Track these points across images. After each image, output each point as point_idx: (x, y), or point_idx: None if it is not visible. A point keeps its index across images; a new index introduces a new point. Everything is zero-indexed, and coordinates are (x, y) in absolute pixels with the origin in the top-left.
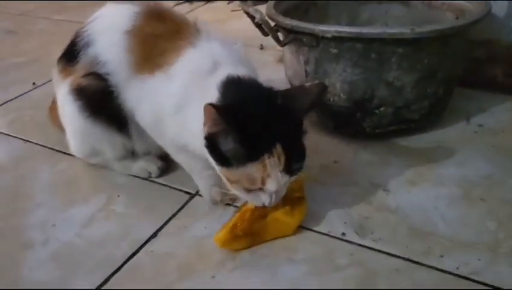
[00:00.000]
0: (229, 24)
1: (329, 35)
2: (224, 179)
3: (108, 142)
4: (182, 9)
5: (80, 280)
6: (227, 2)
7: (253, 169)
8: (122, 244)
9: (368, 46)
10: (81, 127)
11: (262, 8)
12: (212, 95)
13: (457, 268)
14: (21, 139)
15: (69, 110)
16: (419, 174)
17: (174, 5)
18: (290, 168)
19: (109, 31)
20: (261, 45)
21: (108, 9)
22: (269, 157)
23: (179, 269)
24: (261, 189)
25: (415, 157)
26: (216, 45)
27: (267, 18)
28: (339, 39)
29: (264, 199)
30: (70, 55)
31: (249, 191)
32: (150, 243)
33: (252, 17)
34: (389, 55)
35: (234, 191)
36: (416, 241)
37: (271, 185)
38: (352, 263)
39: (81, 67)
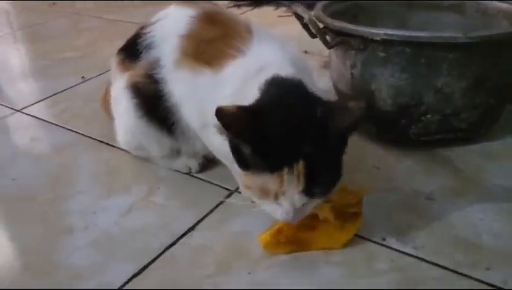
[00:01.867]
0: (275, 29)
1: (378, 38)
2: (238, 180)
3: (156, 142)
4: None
5: (117, 267)
6: (274, 7)
7: (268, 180)
8: (160, 235)
9: (418, 51)
10: (133, 124)
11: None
12: (253, 95)
13: (505, 282)
14: (68, 129)
15: (123, 106)
16: (465, 185)
17: (229, 7)
18: (311, 191)
19: (169, 36)
20: (305, 50)
21: (170, 12)
22: (288, 173)
23: (215, 263)
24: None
25: (461, 167)
26: (267, 48)
27: (315, 19)
28: (388, 43)
29: (280, 214)
30: (131, 51)
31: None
32: (187, 235)
33: (301, 18)
34: (439, 61)
35: (247, 194)
36: (460, 252)
37: (283, 203)
38: (392, 269)
39: (141, 66)
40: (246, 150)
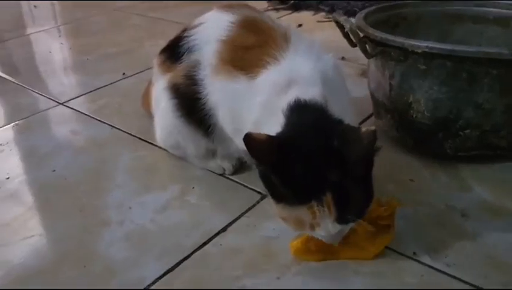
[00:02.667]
0: (313, 34)
1: (419, 51)
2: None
3: (193, 142)
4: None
5: (150, 263)
6: (312, 12)
7: (301, 212)
8: (193, 234)
9: (460, 65)
10: (171, 123)
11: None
12: (279, 119)
13: None
14: (107, 124)
15: (163, 105)
16: (502, 204)
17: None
18: (344, 218)
19: (209, 41)
20: (343, 57)
21: (211, 17)
22: (318, 206)
23: (245, 265)
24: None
25: (499, 186)
26: (301, 60)
27: (356, 29)
28: (429, 55)
29: (320, 237)
30: (173, 53)
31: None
32: (219, 236)
33: (342, 27)
34: (481, 76)
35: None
36: (494, 272)
37: (321, 233)
38: (421, 283)
39: (181, 68)
40: (276, 181)
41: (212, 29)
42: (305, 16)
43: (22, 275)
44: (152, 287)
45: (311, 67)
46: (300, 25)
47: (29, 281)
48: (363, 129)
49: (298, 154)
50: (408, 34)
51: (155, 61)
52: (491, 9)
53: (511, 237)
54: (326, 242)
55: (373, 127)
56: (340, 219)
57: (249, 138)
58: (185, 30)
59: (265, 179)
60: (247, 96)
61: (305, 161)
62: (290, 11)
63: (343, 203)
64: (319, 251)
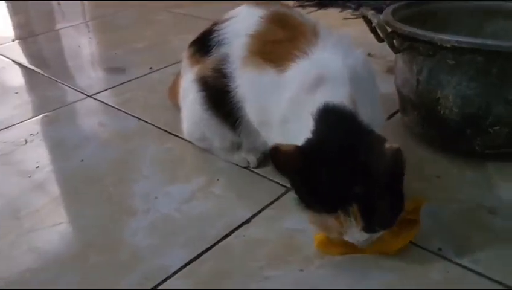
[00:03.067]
0: (339, 31)
1: (448, 45)
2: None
3: (219, 135)
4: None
5: (174, 251)
6: (339, 9)
7: (329, 220)
8: (217, 225)
9: (490, 60)
10: (199, 116)
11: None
12: (309, 123)
13: None
14: (134, 116)
15: (191, 97)
16: None
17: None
18: (371, 228)
19: (239, 35)
20: (369, 53)
21: (241, 11)
22: (344, 216)
23: (268, 257)
24: None
25: None
26: (329, 55)
27: (383, 24)
28: (458, 50)
29: (352, 240)
30: (202, 46)
31: None
32: (243, 227)
33: (369, 22)
34: None
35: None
36: None
37: (349, 239)
38: (446, 279)
39: (211, 61)
40: (302, 190)
41: (242, 23)
42: (332, 13)
43: (51, 260)
44: (159, 288)
45: (340, 63)
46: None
47: (57, 267)
48: (387, 145)
49: (324, 166)
50: (437, 30)
51: (184, 54)
52: None
53: None
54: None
55: (397, 145)
56: (367, 229)
57: (275, 151)
58: (215, 24)
59: (293, 186)
60: (275, 89)
61: (331, 173)
62: (316, 8)
63: (369, 214)
64: (343, 245)
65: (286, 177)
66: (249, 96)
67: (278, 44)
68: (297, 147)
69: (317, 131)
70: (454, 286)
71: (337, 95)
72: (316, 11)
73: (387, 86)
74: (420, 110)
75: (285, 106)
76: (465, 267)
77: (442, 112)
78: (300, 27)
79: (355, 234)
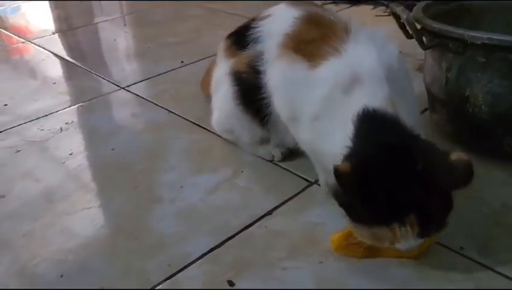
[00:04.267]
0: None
1: (479, 42)
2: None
3: (248, 130)
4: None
5: (197, 239)
6: (372, 6)
7: (380, 232)
8: (240, 215)
9: None
10: (229, 110)
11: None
12: (348, 128)
13: None
14: (165, 109)
15: (224, 91)
16: None
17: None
18: (426, 234)
19: (275, 33)
20: (400, 51)
21: (278, 11)
22: (400, 227)
23: (288, 248)
24: None
25: None
26: (362, 51)
27: (412, 20)
28: (489, 47)
29: (404, 248)
30: (239, 40)
31: None
32: (265, 218)
33: (398, 18)
34: None
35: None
36: None
37: (401, 247)
38: (467, 279)
39: (246, 56)
40: (358, 205)
41: (277, 23)
42: (364, 10)
43: (80, 242)
44: (158, 287)
45: (374, 59)
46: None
47: (86, 249)
48: (454, 156)
49: (380, 178)
50: (471, 27)
51: (221, 45)
52: None
53: None
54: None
55: (466, 157)
56: (423, 235)
57: (337, 172)
58: (253, 20)
59: (345, 204)
60: (307, 85)
61: (387, 185)
62: (349, 5)
63: (426, 221)
64: (361, 246)
65: (346, 194)
66: (279, 89)
67: (311, 43)
68: (352, 165)
69: (360, 138)
70: (473, 285)
71: (376, 97)
72: (349, 7)
73: (416, 84)
74: (449, 108)
75: (317, 104)
76: (487, 267)
77: (471, 110)
78: (331, 25)
79: (410, 242)
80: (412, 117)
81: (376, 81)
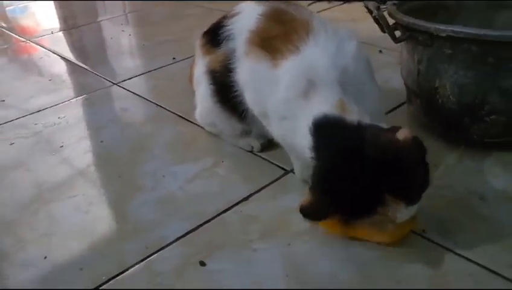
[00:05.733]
0: (362, 24)
1: (444, 35)
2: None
3: (228, 125)
4: (321, 6)
5: (173, 224)
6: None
7: (375, 219)
8: (217, 202)
9: (485, 50)
10: (209, 107)
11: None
12: (307, 137)
13: None
14: (154, 103)
15: (202, 88)
16: None
17: (310, 3)
18: (410, 205)
19: (243, 31)
20: (380, 50)
21: (245, 7)
22: (385, 208)
23: (260, 231)
24: None
25: None
26: (318, 53)
27: (387, 15)
28: (454, 39)
29: (404, 219)
30: (214, 37)
31: None
32: (240, 204)
33: (371, 12)
34: (508, 61)
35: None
36: (502, 253)
37: (400, 220)
38: (426, 259)
39: (220, 54)
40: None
41: (245, 20)
42: (355, 7)
43: (64, 228)
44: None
45: (328, 63)
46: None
47: (69, 233)
48: (401, 136)
49: (348, 184)
50: (447, 21)
51: (198, 42)
52: None
53: None
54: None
55: (411, 135)
56: (410, 202)
57: (303, 211)
58: (224, 17)
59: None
60: (271, 84)
61: (354, 185)
62: (341, 2)
63: (404, 192)
64: (344, 225)
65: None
66: (248, 86)
67: (273, 40)
68: (316, 196)
69: (321, 153)
70: (432, 264)
71: (327, 101)
72: (341, 4)
73: (398, 78)
74: (422, 100)
75: (281, 105)
76: (447, 249)
77: (440, 100)
78: (293, 23)
79: (403, 213)
80: (369, 111)
81: (328, 86)
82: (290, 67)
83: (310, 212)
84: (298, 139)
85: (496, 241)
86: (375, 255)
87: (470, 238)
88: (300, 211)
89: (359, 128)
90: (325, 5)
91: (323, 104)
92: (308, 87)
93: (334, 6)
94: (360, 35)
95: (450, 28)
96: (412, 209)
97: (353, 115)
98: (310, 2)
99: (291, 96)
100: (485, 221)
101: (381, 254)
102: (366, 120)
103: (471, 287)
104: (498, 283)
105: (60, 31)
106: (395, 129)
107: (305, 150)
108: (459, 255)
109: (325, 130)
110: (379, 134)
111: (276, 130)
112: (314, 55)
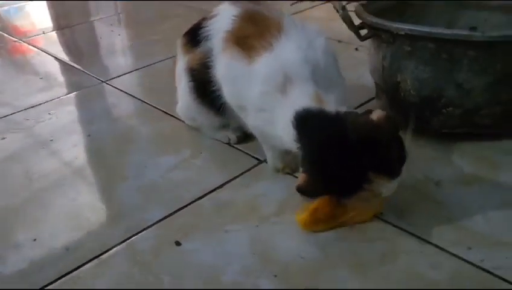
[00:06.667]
0: (341, 23)
1: (402, 33)
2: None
3: (207, 119)
4: (304, 5)
5: (154, 208)
6: (345, 2)
7: (362, 196)
8: (193, 189)
9: (440, 46)
10: (188, 103)
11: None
12: (290, 131)
13: (481, 261)
14: (139, 99)
15: (182, 85)
16: (477, 177)
17: (293, 3)
18: (394, 174)
19: (220, 31)
20: (356, 48)
21: (222, 10)
22: (370, 184)
23: (232, 215)
24: None
25: (479, 161)
26: (290, 48)
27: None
28: (412, 37)
29: (390, 193)
30: (194, 37)
31: None
32: (215, 192)
33: (338, 12)
34: (460, 57)
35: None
36: (450, 231)
37: (388, 193)
38: (380, 238)
39: (198, 52)
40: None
41: (221, 21)
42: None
43: (53, 213)
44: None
45: (300, 58)
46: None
47: (57, 219)
48: (375, 116)
49: (331, 165)
50: (415, 21)
51: (179, 41)
52: None
53: (474, 205)
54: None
55: (384, 114)
56: (393, 176)
57: (300, 190)
58: (204, 19)
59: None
60: (247, 79)
61: (342, 166)
62: (323, 1)
63: (385, 166)
64: (327, 220)
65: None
66: (225, 81)
67: (248, 38)
68: (310, 176)
69: (306, 144)
70: (387, 243)
71: (304, 94)
72: (324, 3)
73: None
74: (387, 94)
75: (257, 98)
76: (400, 228)
77: (402, 94)
78: (266, 22)
79: (389, 187)
80: (339, 101)
81: (303, 81)
82: (265, 63)
83: (306, 190)
84: (275, 130)
85: (445, 222)
86: (335, 235)
87: (423, 220)
88: (297, 190)
89: (338, 116)
90: (307, 4)
91: (301, 98)
92: (285, 81)
93: (316, 6)
94: (338, 34)
95: (407, 26)
96: (395, 183)
97: (330, 105)
98: (293, 2)
99: (268, 89)
100: (437, 204)
101: (341, 235)
102: (341, 108)
103: (422, 263)
104: (443, 258)
105: (53, 30)
106: (369, 112)
107: (281, 140)
108: (412, 234)
109: (308, 122)
110: (357, 118)
111: (253, 122)
112: (287, 50)
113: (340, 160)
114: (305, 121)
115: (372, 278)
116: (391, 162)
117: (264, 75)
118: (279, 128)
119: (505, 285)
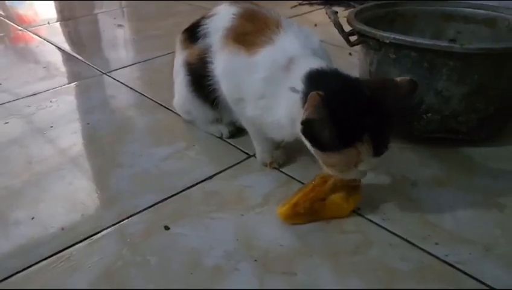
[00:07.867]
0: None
1: (387, 41)
2: (319, 161)
3: (202, 112)
4: (303, 9)
5: (146, 195)
6: (343, 8)
7: (347, 154)
8: (184, 179)
9: (422, 56)
10: (185, 95)
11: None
12: (292, 109)
13: (446, 256)
14: (138, 92)
15: (180, 79)
16: (451, 179)
17: (293, 7)
18: (380, 152)
19: (219, 29)
20: (350, 53)
21: (220, 9)
22: (361, 145)
23: (219, 204)
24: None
25: (455, 165)
26: (291, 39)
27: (339, 21)
28: (396, 46)
29: (358, 175)
30: (193, 34)
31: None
32: (205, 182)
33: (330, 18)
34: (440, 66)
35: (328, 171)
36: (420, 228)
37: (364, 168)
38: (355, 230)
39: (197, 48)
40: (325, 134)
41: (220, 20)
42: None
43: (52, 195)
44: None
45: (301, 45)
46: (315, 24)
47: (55, 201)
48: (400, 78)
49: (340, 107)
50: (404, 30)
51: (178, 37)
52: (479, 10)
53: (445, 204)
54: (357, 178)
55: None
56: (377, 153)
57: (312, 99)
58: (203, 18)
59: (308, 133)
60: (248, 70)
61: (347, 111)
62: (322, 6)
63: (379, 140)
64: (306, 214)
65: (316, 123)
66: (224, 75)
67: (247, 35)
68: (321, 95)
69: (312, 84)
70: (361, 236)
71: (313, 64)
72: (322, 8)
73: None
74: None
75: (259, 84)
76: (373, 222)
77: None
78: (265, 20)
79: (370, 161)
80: None
81: (307, 57)
82: (268, 52)
83: (313, 118)
84: (273, 115)
85: (416, 219)
86: (313, 227)
87: (396, 216)
88: (305, 120)
89: (351, 77)
90: (307, 8)
91: (309, 67)
92: (288, 63)
93: (315, 10)
94: (333, 38)
95: (392, 35)
96: (375, 161)
97: None
98: (294, 4)
99: (272, 73)
100: (411, 202)
101: (319, 227)
102: None
103: (391, 255)
104: (411, 251)
105: (57, 21)
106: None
107: (278, 124)
108: (384, 228)
109: (321, 77)
110: (380, 79)
111: (251, 112)
112: (288, 41)
113: (349, 105)
114: (318, 77)
115: (344, 266)
116: (384, 137)
117: (268, 61)
118: (278, 112)
119: (465, 278)
